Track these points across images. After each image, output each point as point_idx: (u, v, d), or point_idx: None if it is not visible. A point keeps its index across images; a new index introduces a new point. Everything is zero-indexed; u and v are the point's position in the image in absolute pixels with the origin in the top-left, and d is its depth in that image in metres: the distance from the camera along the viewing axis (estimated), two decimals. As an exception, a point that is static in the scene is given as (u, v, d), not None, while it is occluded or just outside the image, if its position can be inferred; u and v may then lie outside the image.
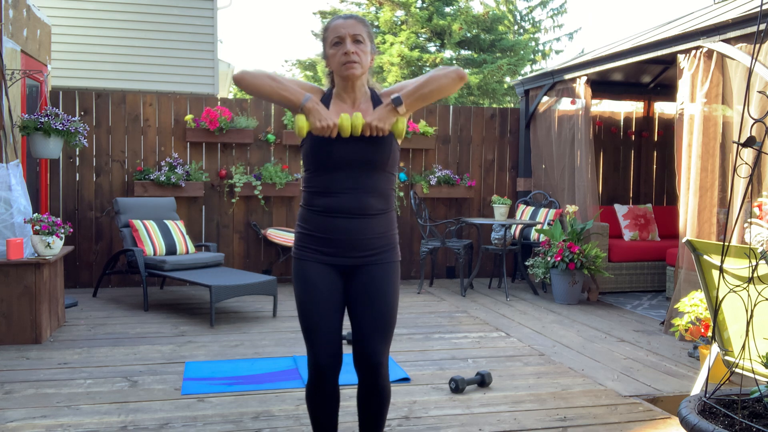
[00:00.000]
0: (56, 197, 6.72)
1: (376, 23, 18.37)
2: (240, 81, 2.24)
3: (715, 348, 2.82)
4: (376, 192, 2.31)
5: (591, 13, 47.99)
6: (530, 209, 7.33)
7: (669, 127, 8.04)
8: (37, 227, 4.60)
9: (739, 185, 4.42)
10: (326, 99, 2.37)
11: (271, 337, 4.83)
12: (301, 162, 2.40)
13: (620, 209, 7.32)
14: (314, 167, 2.31)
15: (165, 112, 6.96)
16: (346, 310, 2.42)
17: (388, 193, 2.36)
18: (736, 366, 2.41)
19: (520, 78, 8.39)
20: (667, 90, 7.89)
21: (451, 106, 7.80)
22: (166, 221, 6.15)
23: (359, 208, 2.29)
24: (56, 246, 4.70)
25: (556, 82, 7.05)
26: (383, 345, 2.35)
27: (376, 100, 2.38)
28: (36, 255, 4.68)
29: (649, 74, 7.76)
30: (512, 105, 18.70)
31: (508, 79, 17.99)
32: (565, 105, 7.08)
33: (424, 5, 17.96)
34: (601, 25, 50.39)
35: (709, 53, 4.83)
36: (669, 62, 6.63)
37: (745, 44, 4.50)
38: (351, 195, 2.28)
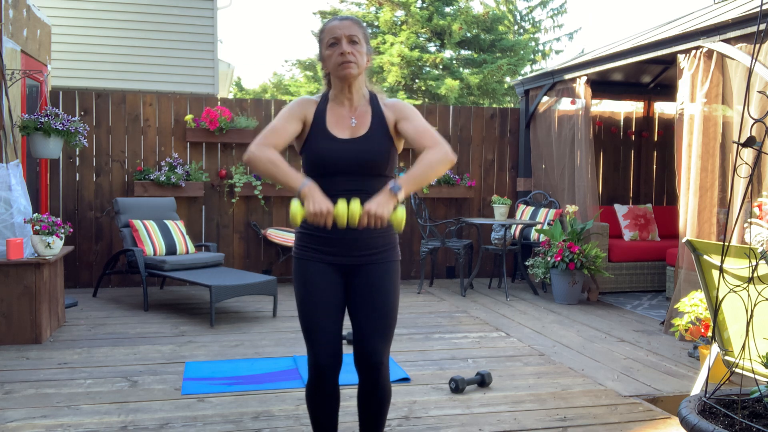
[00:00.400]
0: (56, 197, 6.72)
1: (376, 23, 18.37)
2: (248, 165, 2.29)
3: (715, 348, 2.82)
4: (374, 194, 2.32)
5: (591, 13, 48.00)
6: (530, 209, 7.33)
7: (669, 127, 8.04)
8: (37, 227, 4.60)
9: (739, 185, 4.42)
10: (322, 103, 2.36)
11: (271, 337, 4.83)
12: (301, 164, 2.40)
13: (620, 209, 7.32)
14: (314, 173, 2.31)
15: (165, 112, 6.96)
16: (346, 310, 2.42)
17: None
18: (736, 366, 2.41)
19: (520, 78, 8.39)
20: (667, 90, 7.89)
21: (451, 107, 7.80)
22: (166, 221, 6.15)
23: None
24: (56, 246, 4.70)
25: (556, 82, 7.05)
26: (384, 345, 2.35)
27: (375, 104, 2.37)
28: (36, 255, 4.67)
29: (649, 74, 7.76)
30: (512, 105, 18.70)
31: (508, 79, 17.99)
32: (565, 105, 7.08)
33: (424, 5, 17.96)
34: (601, 25, 50.40)
35: (709, 53, 4.83)
36: (669, 62, 6.63)
37: (745, 44, 4.50)
38: (350, 197, 2.28)
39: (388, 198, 2.13)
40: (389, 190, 2.14)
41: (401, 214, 2.14)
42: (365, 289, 2.34)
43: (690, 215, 4.95)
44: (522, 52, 18.83)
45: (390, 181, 2.18)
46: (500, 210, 7.12)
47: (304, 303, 2.35)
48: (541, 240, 6.64)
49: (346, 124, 2.33)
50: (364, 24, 2.40)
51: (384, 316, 2.34)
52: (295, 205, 2.12)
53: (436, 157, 2.21)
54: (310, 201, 2.11)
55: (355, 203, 2.11)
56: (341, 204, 2.10)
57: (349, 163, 2.27)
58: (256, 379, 3.83)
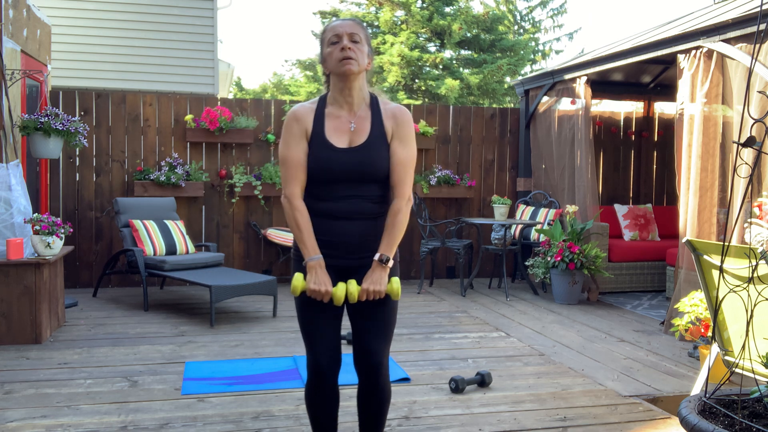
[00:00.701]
0: (56, 197, 6.72)
1: (376, 23, 18.36)
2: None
3: (715, 348, 2.82)
4: (375, 198, 2.33)
5: (591, 13, 48.00)
6: (530, 209, 7.33)
7: (669, 127, 8.04)
8: (37, 227, 4.60)
9: (739, 185, 4.42)
10: (320, 108, 2.34)
11: (271, 337, 4.83)
12: None
13: (620, 209, 7.32)
14: (313, 178, 2.30)
15: (165, 112, 6.96)
16: (345, 311, 2.42)
17: (385, 198, 2.37)
18: (736, 366, 2.41)
19: (520, 78, 8.39)
20: (667, 90, 7.89)
21: (451, 106, 7.80)
22: (166, 221, 6.15)
23: (358, 212, 2.30)
24: (56, 246, 4.70)
25: (556, 82, 7.05)
26: (383, 345, 2.35)
27: (376, 109, 2.34)
28: (36, 255, 4.67)
29: (649, 74, 7.76)
30: (512, 105, 18.70)
31: (508, 79, 17.99)
32: (565, 105, 7.08)
33: (424, 5, 17.96)
34: (601, 25, 50.41)
35: (709, 53, 4.83)
36: (669, 62, 6.63)
37: (745, 44, 4.50)
38: (350, 201, 2.29)
39: (381, 272, 2.26)
40: (378, 262, 2.26)
41: (396, 285, 2.26)
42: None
43: (690, 215, 4.95)
44: (522, 52, 18.83)
45: (376, 255, 2.27)
46: (500, 210, 7.12)
47: (303, 305, 2.35)
48: (541, 240, 6.64)
49: (345, 130, 2.31)
50: (366, 26, 2.39)
51: (383, 317, 2.35)
52: (298, 278, 2.25)
53: (406, 219, 2.34)
54: (312, 278, 2.23)
55: (352, 284, 2.23)
56: (340, 286, 2.22)
57: (349, 172, 2.27)
58: (256, 379, 3.83)
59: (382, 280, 2.24)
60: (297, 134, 2.30)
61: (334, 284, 2.30)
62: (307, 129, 2.30)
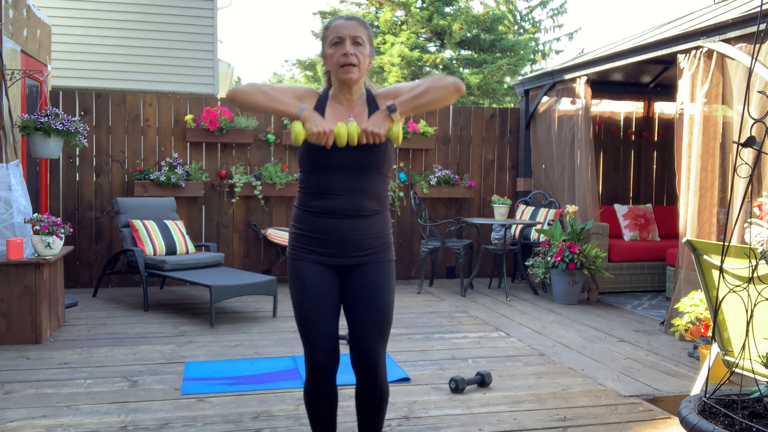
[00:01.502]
0: (56, 197, 6.72)
1: (376, 23, 18.37)
2: (232, 99, 2.23)
3: (715, 348, 2.82)
4: (371, 193, 2.33)
5: (591, 13, 48.01)
6: (530, 209, 7.33)
7: (669, 127, 8.04)
8: (37, 227, 4.60)
9: (739, 185, 4.42)
10: (322, 100, 2.37)
11: (271, 337, 4.83)
12: (298, 162, 2.41)
13: (620, 209, 7.32)
14: (309, 169, 2.32)
15: (165, 112, 6.96)
16: (342, 310, 2.42)
17: (383, 195, 2.37)
18: (736, 366, 2.41)
19: (520, 78, 8.39)
20: (667, 90, 7.89)
21: (451, 106, 7.80)
22: (166, 221, 6.15)
23: (354, 209, 2.30)
24: (56, 246, 4.70)
25: (556, 82, 7.05)
26: (380, 344, 2.36)
27: (371, 100, 2.38)
28: (36, 255, 4.67)
29: (649, 74, 7.76)
30: (512, 105, 18.70)
31: (508, 79, 18.00)
32: (565, 105, 7.08)
33: (424, 5, 17.97)
34: (601, 25, 50.42)
35: (709, 53, 4.83)
36: (669, 62, 6.63)
37: (745, 44, 4.50)
38: (346, 197, 2.29)
39: (384, 117, 2.21)
40: (386, 108, 2.21)
41: (397, 129, 2.21)
42: (360, 289, 2.35)
43: (690, 215, 4.95)
44: (522, 52, 18.84)
45: (388, 102, 2.23)
46: (500, 210, 7.12)
47: (301, 304, 2.36)
48: (541, 240, 6.64)
49: (344, 121, 2.33)
50: (368, 25, 2.40)
51: (380, 315, 2.35)
52: (297, 126, 2.18)
53: (441, 82, 2.24)
54: (312, 122, 2.17)
55: (353, 124, 2.21)
56: (341, 125, 2.18)
57: (347, 164, 2.27)
58: (256, 379, 3.83)
59: (382, 125, 2.20)
60: (298, 93, 2.34)
61: (330, 284, 2.31)
62: (305, 102, 2.32)
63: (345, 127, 2.19)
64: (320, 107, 2.35)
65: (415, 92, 2.25)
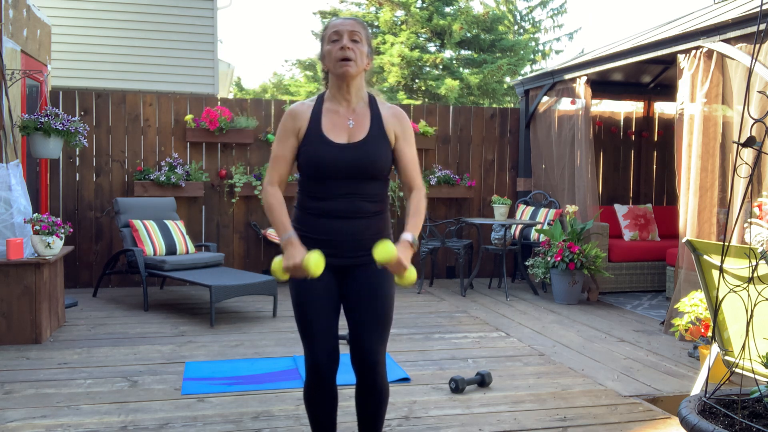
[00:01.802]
0: (56, 197, 6.72)
1: (376, 23, 18.36)
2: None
3: (715, 348, 2.82)
4: (370, 196, 2.34)
5: (591, 13, 48.02)
6: (530, 209, 7.33)
7: (669, 127, 8.04)
8: (37, 227, 4.60)
9: (739, 185, 4.42)
10: (318, 105, 2.36)
11: (271, 337, 4.83)
12: (297, 167, 2.41)
13: (620, 209, 7.32)
14: (308, 175, 2.32)
15: (165, 112, 6.96)
16: (342, 310, 2.43)
17: (382, 196, 2.39)
18: (736, 366, 2.41)
19: (520, 78, 8.39)
20: (667, 90, 7.89)
21: (451, 106, 7.80)
22: (166, 221, 6.15)
23: (354, 211, 2.31)
24: (56, 246, 4.70)
25: (556, 82, 7.05)
26: (380, 344, 2.36)
27: (374, 107, 2.38)
28: (36, 255, 4.67)
29: (649, 74, 7.76)
30: (512, 105, 18.70)
31: (508, 79, 17.99)
32: (565, 105, 7.07)
33: (424, 5, 17.96)
34: (601, 25, 50.43)
35: (709, 53, 4.83)
36: (669, 62, 6.63)
37: (745, 44, 4.50)
38: (345, 200, 2.30)
39: (407, 248, 2.26)
40: (408, 242, 2.27)
41: (412, 274, 2.26)
42: (360, 289, 2.35)
43: (690, 215, 4.95)
44: (522, 52, 18.82)
45: (407, 235, 2.29)
46: (500, 210, 7.12)
47: (301, 304, 2.36)
48: (541, 240, 6.64)
49: (344, 126, 2.32)
50: (367, 26, 2.40)
51: (379, 316, 2.35)
52: (276, 261, 2.26)
53: (425, 205, 2.42)
54: (285, 256, 2.25)
55: (315, 253, 2.19)
56: (310, 255, 2.18)
57: (348, 168, 2.28)
58: (256, 379, 3.83)
59: (408, 258, 2.26)
60: (289, 131, 2.35)
61: (329, 284, 2.35)
62: (301, 127, 2.33)
63: (314, 255, 2.18)
64: (316, 114, 2.33)
65: (418, 221, 2.36)
